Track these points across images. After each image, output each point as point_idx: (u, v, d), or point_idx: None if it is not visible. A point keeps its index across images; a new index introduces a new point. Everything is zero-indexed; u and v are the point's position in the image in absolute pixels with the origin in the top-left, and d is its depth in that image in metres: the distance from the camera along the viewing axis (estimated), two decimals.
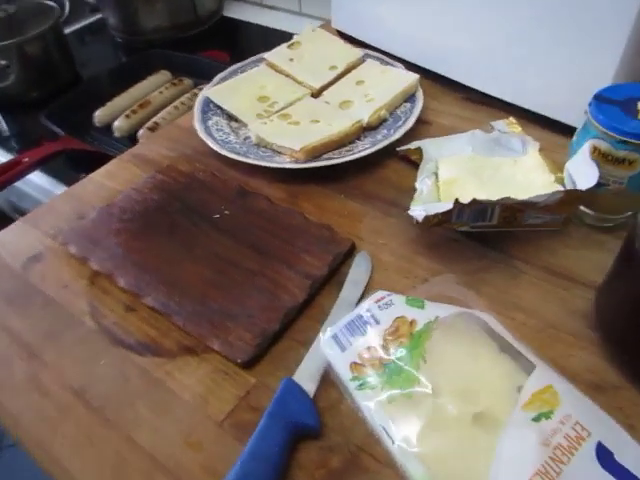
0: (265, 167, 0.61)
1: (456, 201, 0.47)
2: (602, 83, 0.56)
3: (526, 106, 0.66)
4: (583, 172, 0.47)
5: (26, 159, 0.83)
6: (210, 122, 0.68)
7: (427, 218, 0.48)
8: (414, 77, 0.68)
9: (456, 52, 0.70)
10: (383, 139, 0.62)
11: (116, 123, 0.88)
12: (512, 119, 0.63)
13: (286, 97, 0.70)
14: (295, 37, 0.78)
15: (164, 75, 0.98)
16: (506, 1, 0.62)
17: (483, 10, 0.64)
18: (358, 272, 0.50)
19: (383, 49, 0.78)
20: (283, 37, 0.82)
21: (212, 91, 0.71)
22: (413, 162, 0.61)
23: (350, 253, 0.53)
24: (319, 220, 0.56)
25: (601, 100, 0.48)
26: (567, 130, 0.61)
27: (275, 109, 0.68)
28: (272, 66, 0.75)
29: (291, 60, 0.75)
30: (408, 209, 0.52)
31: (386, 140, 0.62)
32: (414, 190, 0.55)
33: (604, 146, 0.47)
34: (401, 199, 0.57)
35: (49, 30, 1.00)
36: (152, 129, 0.84)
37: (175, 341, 0.47)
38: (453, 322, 0.41)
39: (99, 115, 0.90)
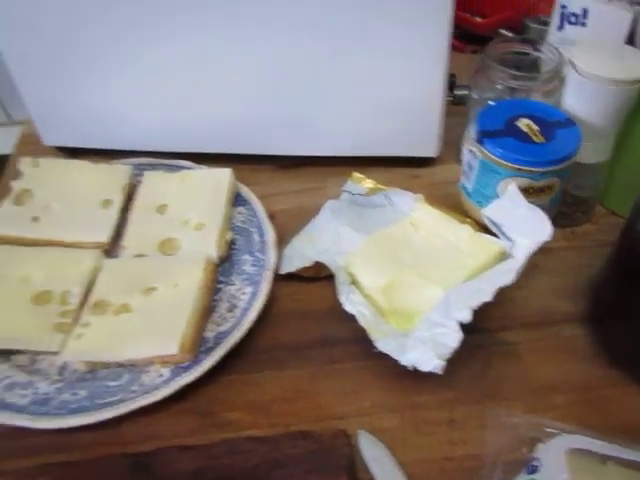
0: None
1: (461, 325, 0.37)
2: (429, 99, 0.53)
3: (351, 153, 0.58)
4: (524, 219, 0.42)
5: None
6: None
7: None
8: (226, 173, 0.53)
9: (240, 123, 0.57)
10: (257, 271, 0.46)
11: None
12: (358, 174, 0.55)
13: (75, 276, 0.46)
14: (13, 184, 0.52)
15: None
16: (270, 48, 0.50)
17: (247, 64, 0.52)
18: (386, 473, 0.36)
19: (141, 149, 0.59)
20: None
21: None
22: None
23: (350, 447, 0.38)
24: (271, 430, 0.39)
25: (490, 135, 0.44)
26: (406, 162, 0.57)
27: (74, 303, 0.44)
28: (11, 241, 0.48)
29: (36, 220, 0.50)
30: (351, 342, 0.42)
31: (265, 270, 0.46)
32: (345, 313, 0.43)
33: (524, 182, 0.43)
34: (332, 329, 0.45)
35: None
36: None
37: None
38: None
39: None
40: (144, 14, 0.49)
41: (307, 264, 0.46)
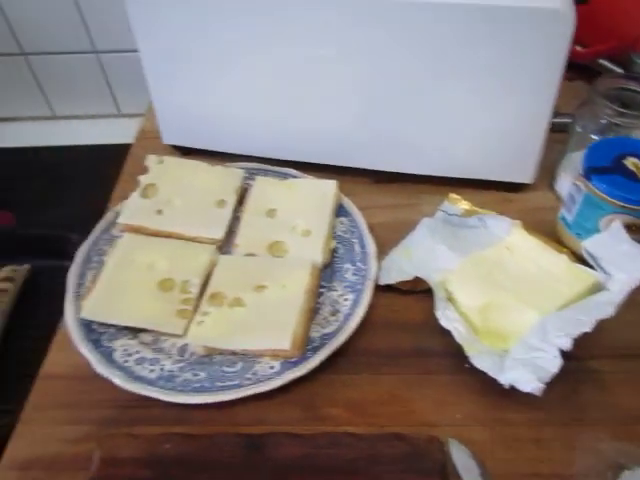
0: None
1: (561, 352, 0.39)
2: (533, 128, 0.54)
3: (446, 174, 0.61)
4: (625, 255, 0.44)
5: None
6: (116, 354, 0.46)
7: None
8: (332, 184, 0.57)
9: (342, 137, 0.60)
10: (358, 280, 0.50)
11: None
12: (454, 195, 0.58)
13: (194, 268, 0.51)
14: (141, 178, 0.58)
15: None
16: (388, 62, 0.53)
17: (362, 79, 0.55)
18: None
19: (248, 154, 0.63)
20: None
21: (89, 308, 0.47)
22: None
23: (443, 453, 0.41)
24: (367, 428, 0.42)
25: (598, 172, 0.46)
26: (499, 186, 0.59)
27: (194, 292, 0.49)
28: (138, 230, 0.54)
29: (160, 212, 0.55)
30: (444, 355, 0.45)
31: (367, 280, 0.50)
32: (439, 327, 0.46)
33: (627, 219, 0.45)
34: (426, 341, 0.48)
35: None
36: None
37: None
38: None
39: None
40: (260, 26, 0.53)
41: (406, 278, 0.49)
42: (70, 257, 0.68)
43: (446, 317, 0.46)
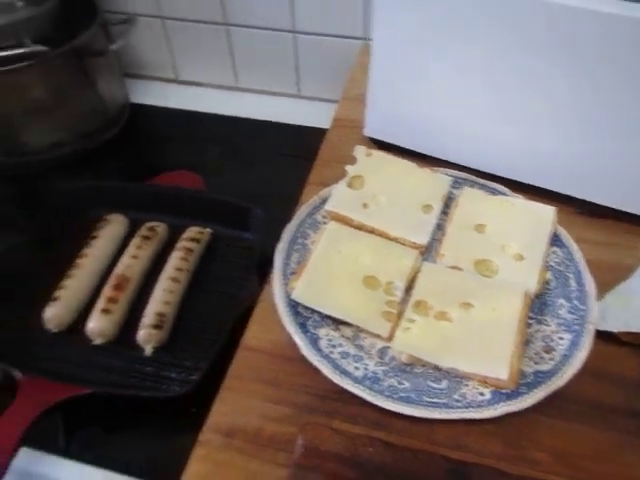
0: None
1: None
2: None
3: None
4: None
5: None
6: (322, 342, 0.45)
7: None
8: (550, 211, 0.53)
9: (556, 159, 0.56)
10: (576, 320, 0.46)
11: (91, 324, 0.57)
12: None
13: (398, 270, 0.50)
14: (349, 168, 0.57)
15: (119, 223, 0.68)
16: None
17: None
18: None
19: (453, 161, 0.61)
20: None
21: (300, 291, 0.47)
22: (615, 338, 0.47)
23: None
24: None
25: None
26: None
27: (398, 296, 0.48)
28: (342, 220, 0.54)
29: (365, 206, 0.54)
30: None
31: (588, 322, 0.46)
32: None
33: None
34: None
35: None
36: (159, 326, 0.57)
37: None
38: None
39: (52, 316, 0.59)
40: (497, 34, 0.50)
41: (635, 330, 0.45)
42: (249, 229, 0.70)
43: None
